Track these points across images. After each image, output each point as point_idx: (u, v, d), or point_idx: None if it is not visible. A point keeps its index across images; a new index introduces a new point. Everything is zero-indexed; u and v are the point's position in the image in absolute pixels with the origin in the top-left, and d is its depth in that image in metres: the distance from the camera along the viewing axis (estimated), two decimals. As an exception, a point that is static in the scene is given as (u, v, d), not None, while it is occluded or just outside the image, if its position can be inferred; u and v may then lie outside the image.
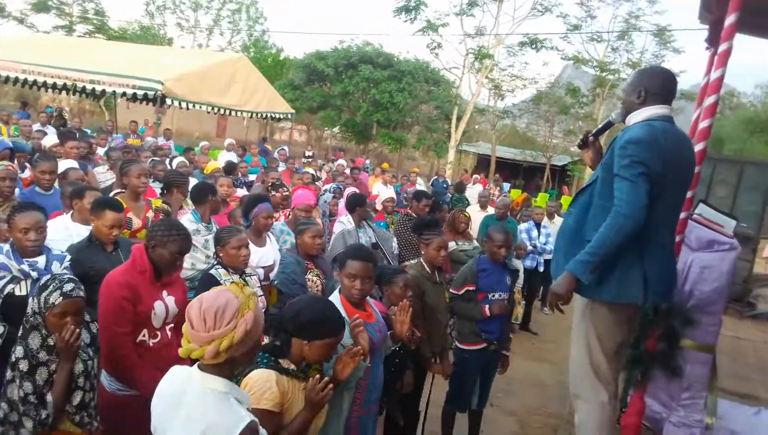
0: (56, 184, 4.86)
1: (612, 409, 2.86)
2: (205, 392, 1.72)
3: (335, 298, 2.90)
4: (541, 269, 8.07)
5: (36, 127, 9.59)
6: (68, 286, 2.41)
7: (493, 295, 4.23)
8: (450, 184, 14.60)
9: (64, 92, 14.76)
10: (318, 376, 2.21)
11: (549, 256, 7.94)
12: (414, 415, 4.16)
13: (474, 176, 17.67)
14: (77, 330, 2.37)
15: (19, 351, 2.40)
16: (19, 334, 2.45)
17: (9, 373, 2.40)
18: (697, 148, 3.24)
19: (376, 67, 23.67)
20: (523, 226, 8.18)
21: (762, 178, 9.30)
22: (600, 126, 3.24)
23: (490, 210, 8.48)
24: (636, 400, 3.50)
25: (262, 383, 2.16)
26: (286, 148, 12.84)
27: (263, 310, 3.23)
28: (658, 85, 2.72)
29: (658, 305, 3.14)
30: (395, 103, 22.96)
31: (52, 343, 2.39)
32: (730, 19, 3.14)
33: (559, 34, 25.92)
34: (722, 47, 3.20)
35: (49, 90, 13.49)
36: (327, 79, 25.66)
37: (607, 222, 2.53)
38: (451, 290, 4.26)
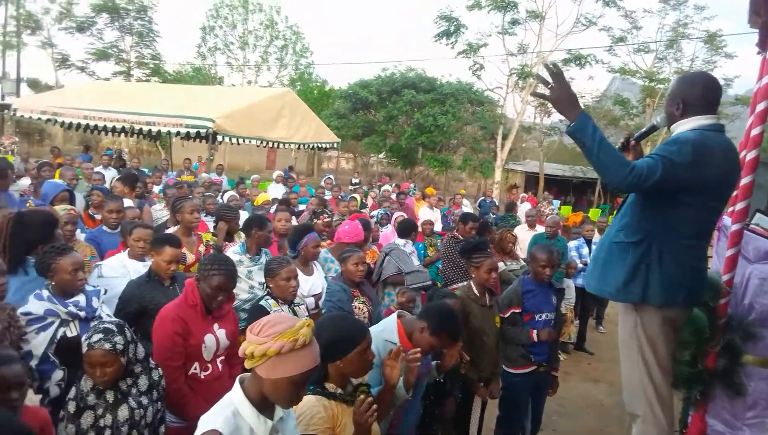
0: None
1: (670, 428, 2.77)
2: (225, 397, 1.90)
3: (392, 323, 2.95)
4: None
5: (97, 169, 10.14)
6: (95, 337, 2.41)
7: (540, 316, 4.18)
8: (497, 204, 14.47)
9: (123, 134, 15.57)
10: (363, 396, 2.21)
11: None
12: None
13: (522, 195, 17.46)
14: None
15: (72, 392, 2.48)
16: (79, 374, 2.52)
17: (61, 413, 2.47)
18: (749, 156, 3.12)
19: (419, 92, 23.87)
20: (572, 243, 8.02)
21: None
22: (644, 130, 3.14)
23: (539, 229, 8.37)
24: (697, 421, 3.36)
25: (310, 409, 2.21)
26: (332, 176, 13.07)
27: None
28: (697, 96, 2.64)
29: (714, 320, 3.03)
30: (439, 126, 23.02)
31: (102, 388, 2.44)
32: (780, 22, 3.05)
33: (603, 47, 25.45)
34: (773, 51, 3.10)
35: (109, 133, 14.24)
36: (371, 107, 26.03)
37: (615, 156, 2.45)
38: (500, 315, 4.22)
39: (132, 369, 2.55)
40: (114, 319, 2.65)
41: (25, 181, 7.62)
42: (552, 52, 24.11)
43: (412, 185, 15.58)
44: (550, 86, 2.52)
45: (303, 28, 43.48)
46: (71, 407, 2.44)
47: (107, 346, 2.39)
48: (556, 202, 20.39)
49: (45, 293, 2.96)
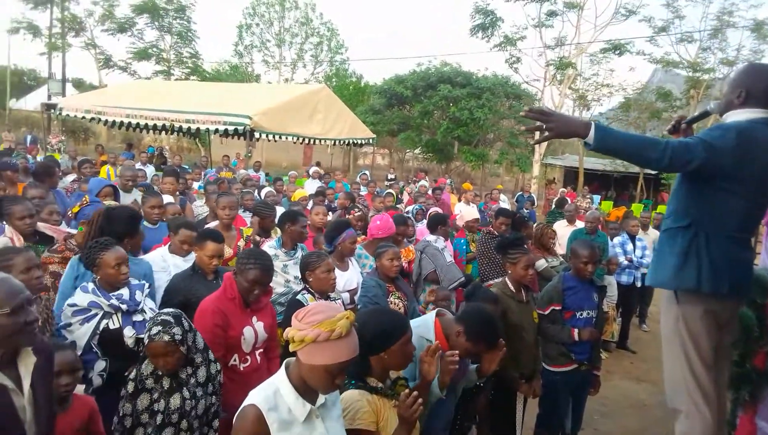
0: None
1: (717, 426, 2.66)
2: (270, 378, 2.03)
3: (430, 321, 2.92)
4: (639, 284, 7.67)
5: (138, 165, 10.39)
6: (154, 329, 2.48)
7: (581, 314, 4.08)
8: (535, 199, 14.25)
9: (163, 132, 15.92)
10: (407, 390, 2.22)
11: (646, 270, 7.55)
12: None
13: (561, 190, 17.16)
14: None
15: (132, 373, 2.56)
16: (141, 356, 2.61)
17: (122, 391, 2.56)
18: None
19: (455, 86, 23.68)
20: (617, 239, 7.81)
21: None
22: (696, 114, 3.02)
23: (579, 224, 8.19)
24: (745, 423, 3.23)
25: (354, 403, 2.23)
26: (367, 172, 13.11)
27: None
28: (762, 88, 2.51)
29: (762, 318, 2.91)
30: (475, 119, 22.79)
31: (160, 373, 2.51)
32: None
33: (645, 37, 24.75)
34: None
35: (151, 131, 14.57)
36: (406, 102, 25.96)
37: (644, 140, 2.42)
38: (537, 311, 4.14)
39: (193, 358, 2.61)
40: (171, 310, 2.69)
41: (71, 178, 7.87)
42: (591, 44, 23.61)
43: (448, 181, 15.49)
44: (544, 126, 2.47)
45: (338, 25, 43.60)
46: (130, 387, 2.52)
47: (166, 337, 2.46)
48: (597, 197, 19.96)
49: (90, 286, 3.06)
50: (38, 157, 11.49)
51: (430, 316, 2.99)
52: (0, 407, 1.82)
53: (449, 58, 27.12)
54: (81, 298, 3.02)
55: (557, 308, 4.07)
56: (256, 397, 1.93)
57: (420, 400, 2.17)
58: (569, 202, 11.60)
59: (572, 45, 23.71)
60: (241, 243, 4.82)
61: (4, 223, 4.22)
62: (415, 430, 2.38)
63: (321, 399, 2.00)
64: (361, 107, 26.75)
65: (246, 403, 1.93)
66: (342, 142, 15.57)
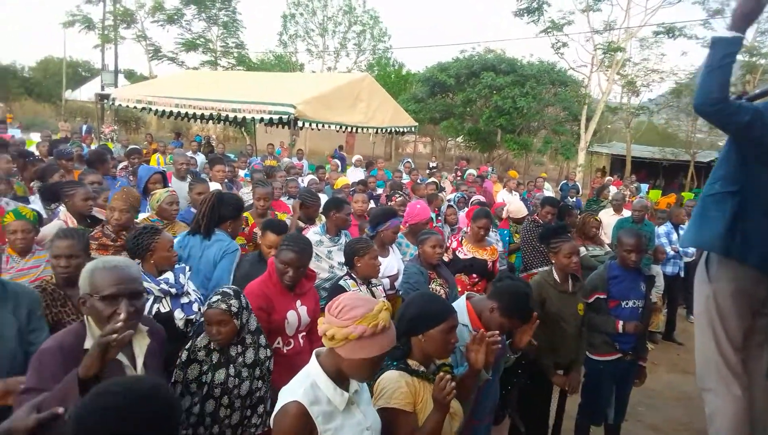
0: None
1: (746, 407, 2.60)
2: (302, 371, 2.02)
3: (462, 305, 2.94)
4: (683, 275, 7.47)
5: (188, 154, 10.68)
6: (214, 298, 2.61)
7: (627, 304, 4.01)
8: (580, 188, 13.97)
9: (210, 122, 16.27)
10: (441, 374, 2.21)
11: (690, 260, 7.35)
12: (542, 427, 4.05)
13: (608, 178, 16.76)
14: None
15: (189, 343, 2.67)
16: (198, 330, 2.72)
17: (177, 360, 2.67)
18: None
19: (499, 74, 23.28)
20: (662, 229, 7.62)
21: None
22: (758, 90, 2.85)
23: (626, 213, 8.02)
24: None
25: (392, 383, 2.26)
26: (410, 160, 13.09)
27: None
28: None
29: None
30: (519, 108, 22.42)
31: (212, 347, 2.62)
32: None
33: (698, 20, 23.76)
34: None
35: (198, 120, 14.93)
36: (449, 90, 25.73)
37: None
38: (583, 300, 4.09)
39: (244, 338, 2.69)
40: (233, 286, 2.80)
41: (122, 165, 8.15)
42: (641, 28, 22.85)
43: (490, 168, 15.34)
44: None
45: (380, 13, 43.47)
46: (183, 356, 2.64)
47: (223, 306, 2.57)
48: (645, 186, 19.39)
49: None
50: (92, 146, 11.93)
51: (461, 300, 3.00)
52: None
53: (493, 44, 26.64)
54: None
55: (602, 297, 4.02)
56: (296, 392, 1.90)
57: (453, 384, 2.16)
58: (608, 190, 11.39)
59: (621, 29, 23.01)
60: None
61: (59, 207, 4.47)
62: (456, 416, 2.40)
63: (354, 385, 2.01)
64: (404, 95, 26.67)
65: (285, 400, 1.90)
66: (384, 130, 15.60)
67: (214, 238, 3.84)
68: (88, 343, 2.02)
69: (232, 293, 2.65)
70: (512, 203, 7.32)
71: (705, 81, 2.31)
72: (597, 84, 24.41)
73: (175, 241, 3.90)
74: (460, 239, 5.00)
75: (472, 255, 4.85)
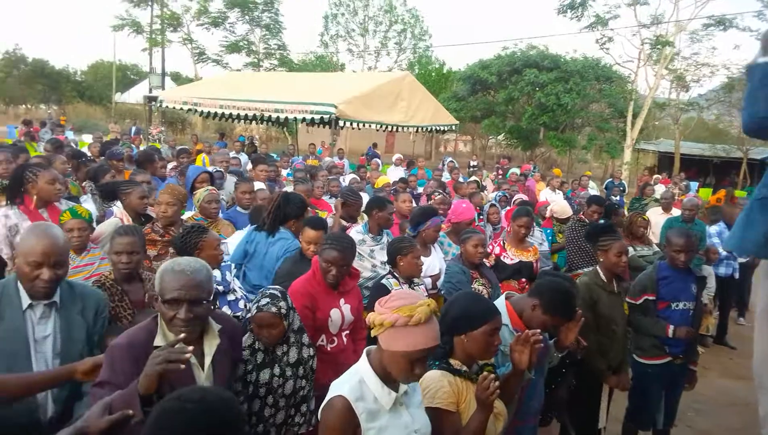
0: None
1: None
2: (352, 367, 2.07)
3: (501, 304, 2.90)
4: (737, 276, 7.19)
5: (231, 154, 10.90)
6: (263, 301, 2.61)
7: (677, 305, 3.89)
8: (626, 186, 13.62)
9: (253, 122, 16.57)
10: (485, 373, 2.19)
11: (745, 261, 7.06)
12: (592, 430, 3.96)
13: (656, 176, 16.29)
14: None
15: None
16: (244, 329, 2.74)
17: None
18: None
19: (542, 70, 22.92)
20: (713, 228, 7.34)
21: None
22: None
23: (675, 212, 7.77)
24: None
25: (435, 383, 2.25)
26: (451, 159, 13.02)
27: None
28: None
29: None
30: (562, 105, 22.00)
31: (257, 347, 2.64)
32: None
33: (752, 12, 22.83)
34: None
35: (242, 121, 15.22)
36: (491, 88, 25.48)
37: None
38: (627, 299, 3.99)
39: (288, 337, 2.70)
40: (277, 287, 2.83)
41: (171, 166, 8.37)
42: (691, 20, 22.11)
43: (533, 167, 15.11)
44: None
45: (422, 11, 43.38)
46: (247, 354, 2.66)
47: (273, 309, 2.58)
48: (694, 184, 18.76)
49: None
50: (141, 147, 12.31)
51: (500, 300, 2.96)
52: (182, 379, 1.98)
53: (536, 41, 26.12)
54: None
55: (651, 298, 3.90)
56: (342, 387, 1.94)
57: (496, 384, 2.12)
58: (652, 187, 11.07)
59: (670, 22, 22.32)
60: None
61: (113, 205, 4.63)
62: (500, 416, 2.37)
63: (403, 386, 2.00)
64: (444, 94, 26.54)
65: (332, 394, 1.94)
66: (424, 129, 15.56)
67: (278, 236, 4.03)
68: (159, 341, 2.09)
69: (279, 295, 2.66)
70: (557, 203, 7.19)
71: (749, 102, 2.23)
72: (644, 79, 23.74)
73: (242, 236, 4.19)
74: (502, 243, 4.79)
75: (518, 259, 4.69)
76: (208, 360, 2.16)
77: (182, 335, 1.94)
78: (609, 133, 23.74)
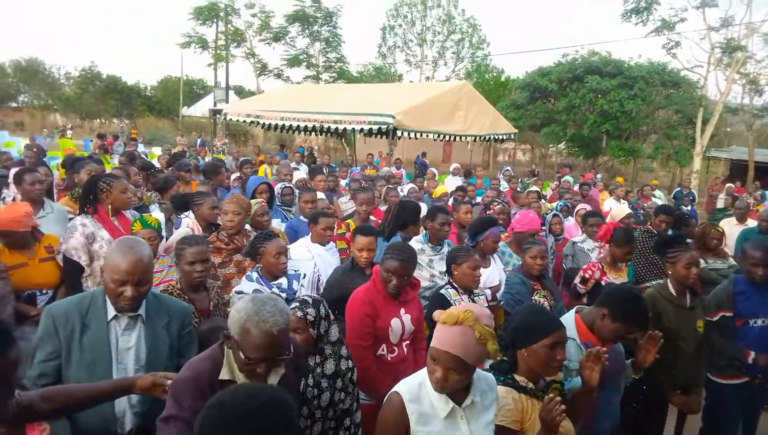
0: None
1: None
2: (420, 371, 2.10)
3: (570, 320, 2.81)
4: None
5: (293, 165, 11.14)
6: (293, 305, 2.59)
7: (755, 322, 3.67)
8: (696, 195, 13.00)
9: (313, 133, 16.87)
10: (552, 394, 2.12)
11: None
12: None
13: (728, 185, 15.49)
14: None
15: None
16: None
17: None
18: None
19: (604, 76, 22.26)
20: (794, 240, 6.90)
21: None
22: None
23: (751, 223, 7.35)
24: None
25: (499, 400, 2.19)
26: (509, 168, 12.82)
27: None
28: None
29: None
30: (626, 112, 21.27)
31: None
32: None
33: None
34: None
35: (301, 132, 15.52)
36: (551, 95, 24.98)
37: None
38: (706, 318, 3.76)
39: (322, 348, 2.67)
40: (315, 295, 2.83)
41: (234, 176, 8.63)
42: (765, 23, 21.01)
43: (598, 176, 14.68)
44: None
45: (479, 20, 43.15)
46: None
47: (299, 313, 2.56)
48: (771, 194, 17.68)
49: (254, 275, 3.35)
50: (206, 158, 12.75)
51: (569, 314, 2.86)
52: None
53: (598, 47, 25.49)
54: (246, 286, 3.32)
55: (728, 314, 3.69)
56: (402, 386, 2.00)
57: (563, 407, 2.05)
58: (733, 197, 10.49)
59: (742, 24, 21.27)
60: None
61: (181, 216, 4.80)
62: None
63: (468, 400, 1.98)
64: (502, 102, 26.21)
65: (393, 389, 2.01)
66: (482, 138, 15.40)
67: (393, 241, 4.27)
68: (224, 374, 2.03)
69: (310, 302, 2.63)
70: (614, 207, 6.96)
71: None
72: (714, 84, 22.73)
73: (304, 243, 4.36)
74: (601, 266, 4.50)
75: (618, 281, 4.41)
76: None
77: None
78: (677, 140, 22.77)
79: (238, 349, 1.96)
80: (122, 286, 2.31)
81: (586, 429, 2.59)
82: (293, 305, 2.60)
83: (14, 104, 45.04)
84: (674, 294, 3.68)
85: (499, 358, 2.08)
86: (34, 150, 8.14)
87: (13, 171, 5.60)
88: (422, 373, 2.02)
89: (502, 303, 4.23)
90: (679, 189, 13.75)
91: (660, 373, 3.51)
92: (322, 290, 3.91)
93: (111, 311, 2.38)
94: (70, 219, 4.69)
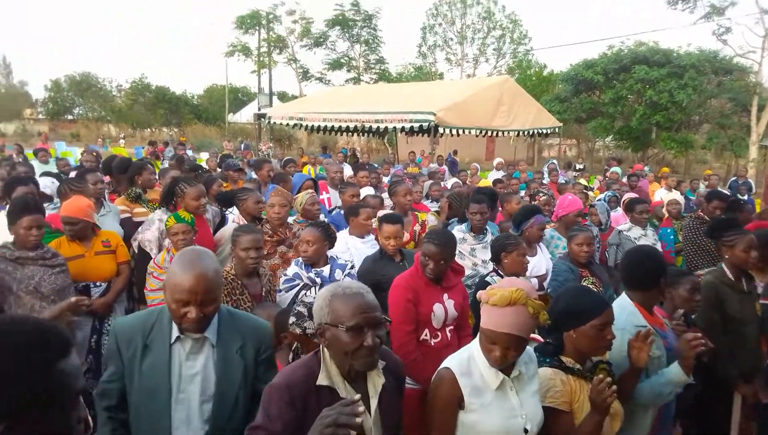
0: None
1: None
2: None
3: (626, 302, 2.73)
4: None
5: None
6: (291, 319, 2.52)
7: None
8: (753, 185, 12.48)
9: (355, 134, 17.03)
10: (601, 375, 2.09)
11: None
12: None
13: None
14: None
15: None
16: None
17: None
18: None
19: (652, 66, 21.61)
20: None
21: None
22: None
23: (812, 211, 7.01)
24: None
25: (547, 381, 2.20)
26: (554, 161, 12.62)
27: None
28: None
29: None
30: (677, 102, 20.58)
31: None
32: None
33: None
34: None
35: (344, 134, 15.70)
36: (596, 87, 24.41)
37: None
38: (761, 301, 3.63)
39: None
40: (311, 301, 2.76)
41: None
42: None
43: (647, 168, 14.28)
44: None
45: (520, 15, 42.61)
46: None
47: (297, 330, 2.48)
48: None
49: (300, 260, 3.49)
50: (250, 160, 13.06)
51: (623, 300, 2.78)
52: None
53: (644, 36, 24.75)
54: (290, 270, 3.53)
55: (785, 297, 3.54)
56: (452, 361, 2.04)
57: (614, 387, 2.02)
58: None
59: (800, 5, 20.27)
60: (417, 227, 5.07)
61: (226, 211, 5.01)
62: (617, 416, 2.24)
63: (516, 371, 2.03)
64: (546, 96, 25.76)
65: (442, 366, 2.05)
66: (526, 132, 15.21)
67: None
68: (322, 379, 1.81)
69: (306, 314, 2.48)
70: (665, 197, 6.80)
71: None
72: (770, 70, 21.67)
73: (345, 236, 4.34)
74: None
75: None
76: (374, 403, 1.84)
77: (358, 396, 1.61)
78: (731, 129, 21.88)
79: (334, 336, 1.77)
80: (185, 306, 1.98)
81: (660, 413, 2.55)
82: (291, 321, 2.52)
83: (70, 117, 47.12)
84: (733, 279, 3.55)
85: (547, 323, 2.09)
86: (94, 154, 8.58)
87: (72, 174, 5.92)
88: (470, 347, 2.07)
89: (549, 291, 4.17)
90: (734, 178, 13.23)
91: (728, 364, 3.39)
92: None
93: (175, 331, 2.08)
94: (123, 218, 4.98)
